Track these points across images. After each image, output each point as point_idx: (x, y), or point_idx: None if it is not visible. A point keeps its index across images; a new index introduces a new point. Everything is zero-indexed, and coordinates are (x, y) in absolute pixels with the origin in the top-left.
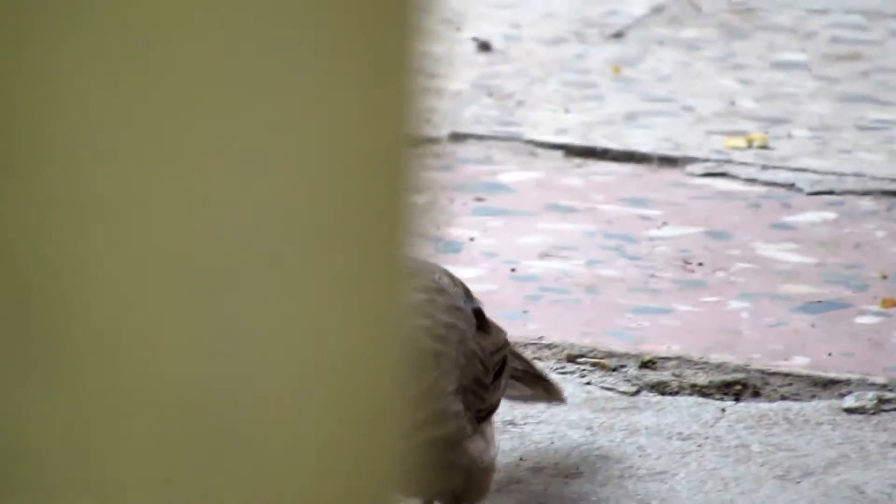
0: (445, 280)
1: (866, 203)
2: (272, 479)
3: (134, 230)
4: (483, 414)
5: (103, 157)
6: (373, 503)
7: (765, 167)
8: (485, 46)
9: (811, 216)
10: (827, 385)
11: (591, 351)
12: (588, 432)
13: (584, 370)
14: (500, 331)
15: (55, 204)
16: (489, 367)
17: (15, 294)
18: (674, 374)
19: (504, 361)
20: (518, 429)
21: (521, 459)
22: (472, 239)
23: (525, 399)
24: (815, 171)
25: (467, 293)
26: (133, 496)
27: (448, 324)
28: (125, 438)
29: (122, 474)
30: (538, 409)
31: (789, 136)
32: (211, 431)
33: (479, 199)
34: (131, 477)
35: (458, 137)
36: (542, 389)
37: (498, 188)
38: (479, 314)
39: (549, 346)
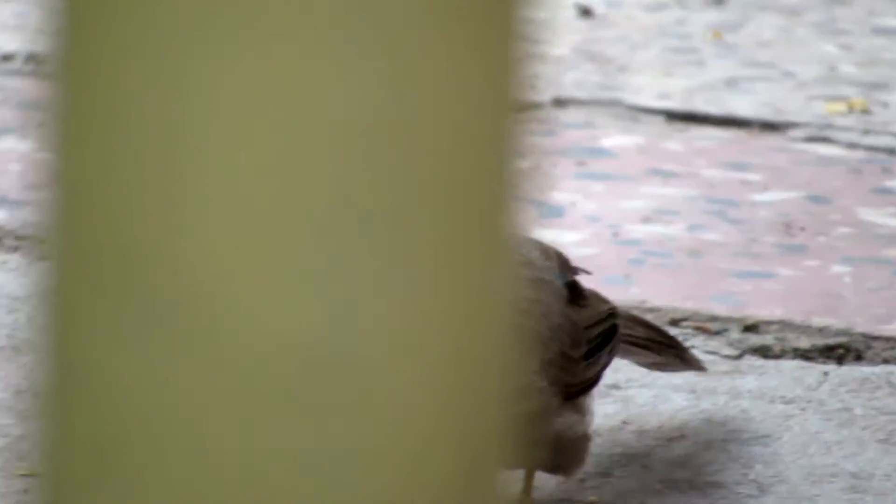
0: (535, 253)
1: None
2: (382, 440)
3: (245, 189)
4: (575, 389)
5: (215, 111)
6: (478, 472)
7: (866, 132)
8: (586, 12)
9: None
10: None
11: (694, 315)
12: (691, 396)
13: (686, 334)
14: (602, 302)
15: (162, 164)
16: (581, 340)
17: (125, 255)
18: (776, 338)
19: (608, 333)
20: (622, 392)
21: (624, 423)
22: (574, 203)
23: (660, 367)
24: None
25: (564, 265)
26: (246, 455)
27: (532, 298)
28: (238, 398)
29: (235, 434)
30: (641, 373)
31: (890, 101)
32: (324, 389)
33: (582, 164)
34: (245, 436)
35: (560, 103)
36: (673, 356)
37: (600, 153)
38: (572, 287)
39: (651, 311)
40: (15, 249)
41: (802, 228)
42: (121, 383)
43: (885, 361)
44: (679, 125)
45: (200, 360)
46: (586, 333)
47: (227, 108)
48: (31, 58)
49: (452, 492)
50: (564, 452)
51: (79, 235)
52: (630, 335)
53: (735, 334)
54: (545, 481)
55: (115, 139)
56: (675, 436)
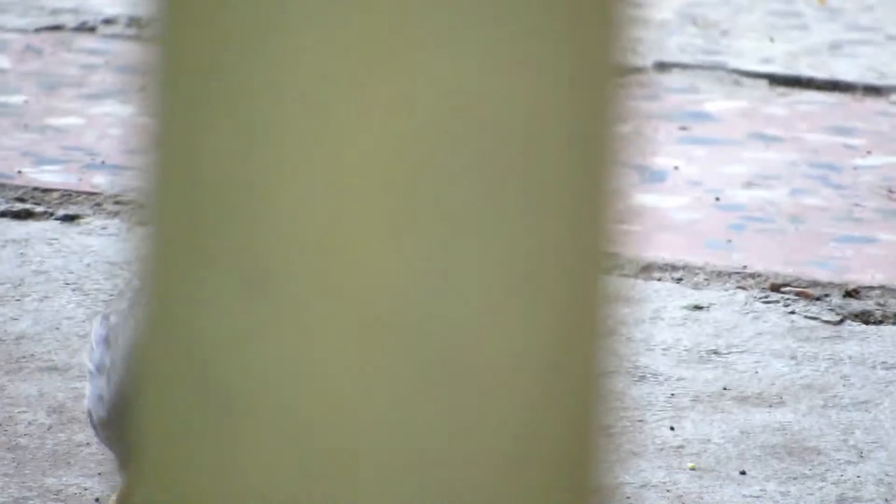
0: None
1: None
2: (492, 416)
3: (347, 158)
4: None
5: (322, 77)
6: (581, 457)
7: None
8: None
9: None
10: None
11: (795, 280)
12: (792, 361)
13: (787, 299)
14: None
15: (264, 130)
16: None
17: (223, 221)
18: (878, 304)
19: None
20: (722, 358)
21: (724, 389)
22: (676, 168)
23: None
24: None
25: None
26: (341, 421)
27: None
28: (335, 365)
29: (331, 400)
30: (742, 339)
31: None
32: (420, 358)
33: (684, 129)
34: (353, 401)
35: (663, 67)
36: None
37: (702, 117)
38: None
39: (752, 276)
40: (114, 215)
41: None
42: (217, 348)
43: None
44: (782, 89)
45: (297, 327)
46: None
47: (334, 77)
48: (133, 21)
49: (550, 466)
50: None
51: (178, 201)
52: None
53: (836, 300)
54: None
55: (217, 104)
56: (774, 401)
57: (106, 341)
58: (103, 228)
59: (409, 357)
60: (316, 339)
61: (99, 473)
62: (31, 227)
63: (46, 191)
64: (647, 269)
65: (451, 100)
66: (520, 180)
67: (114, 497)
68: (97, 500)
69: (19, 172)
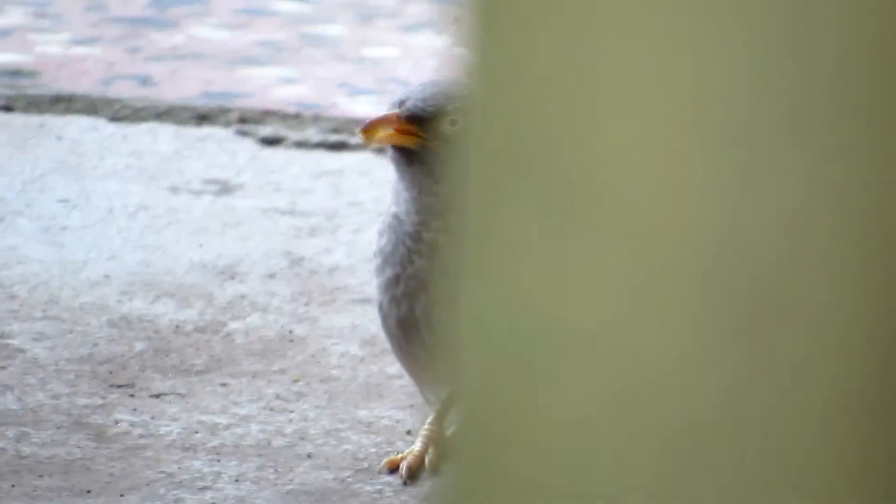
0: None
1: None
2: (803, 356)
3: (672, 86)
4: None
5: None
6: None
7: None
8: None
9: None
10: None
11: None
12: None
13: None
14: None
15: (583, 59)
16: None
17: (541, 152)
18: None
19: None
20: None
21: None
22: None
23: None
24: None
25: None
26: (647, 362)
27: None
28: (648, 304)
29: (641, 339)
30: None
31: None
32: (756, 309)
33: None
34: (649, 341)
35: None
36: None
37: None
38: None
39: None
40: None
41: None
42: (535, 282)
43: None
44: None
45: (618, 262)
46: None
47: (651, 14)
48: None
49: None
50: None
51: (494, 131)
52: None
53: None
54: None
55: (537, 32)
56: None
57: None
58: None
59: (726, 307)
60: (638, 271)
61: (411, 406)
62: (346, 158)
63: (361, 121)
64: None
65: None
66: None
67: (429, 430)
68: (408, 432)
69: (334, 104)
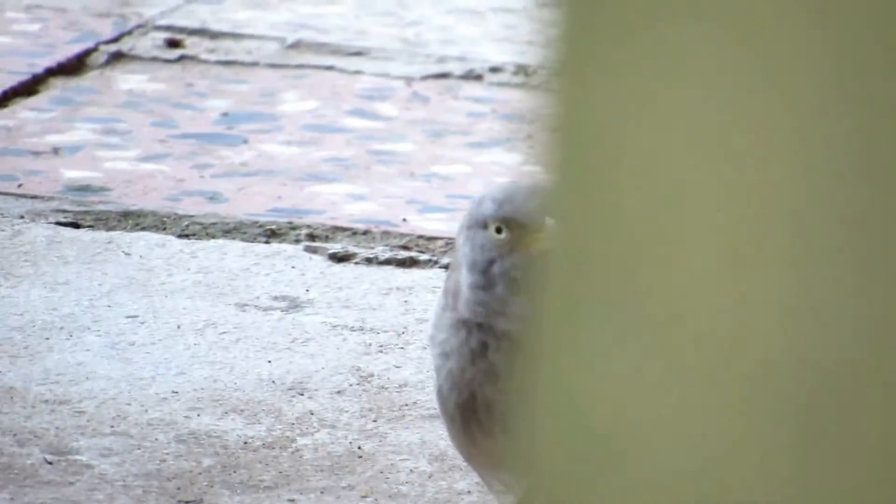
0: None
1: None
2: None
3: (751, 198)
4: None
5: (725, 118)
6: None
7: None
8: None
9: None
10: None
11: None
12: None
13: None
14: None
15: (662, 174)
16: None
17: (617, 261)
18: None
19: None
20: None
21: None
22: None
23: None
24: None
25: None
26: (747, 471)
27: None
28: (735, 413)
29: (734, 450)
30: None
31: None
32: (838, 409)
33: None
34: (737, 459)
35: None
36: None
37: None
38: None
39: None
40: None
41: None
42: (594, 392)
43: None
44: None
45: (694, 372)
46: None
47: (737, 128)
48: (520, 69)
49: None
50: None
51: (571, 241)
52: None
53: None
54: None
55: (613, 148)
56: None
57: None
58: None
59: (802, 414)
60: (715, 381)
61: None
62: (415, 274)
63: (431, 238)
64: None
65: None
66: None
67: None
68: None
69: (404, 220)
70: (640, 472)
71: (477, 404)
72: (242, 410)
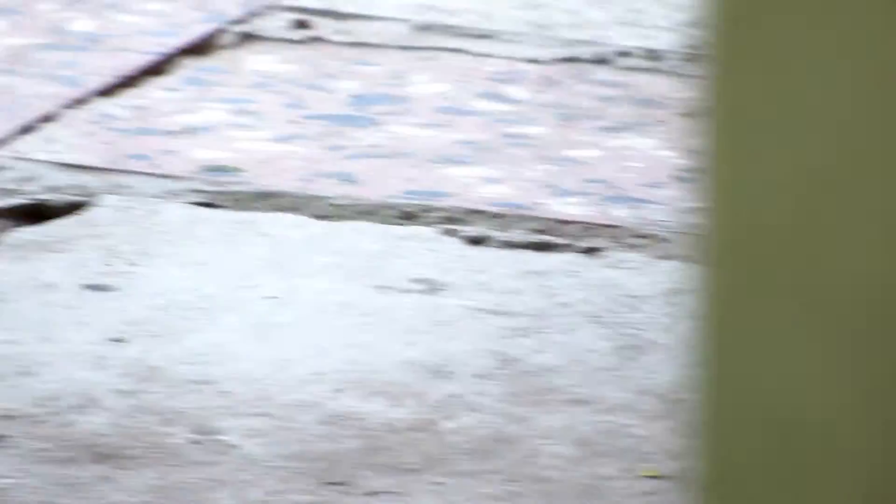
0: None
1: None
2: None
3: None
4: None
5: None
6: None
7: None
8: None
9: None
10: None
11: None
12: None
13: None
14: None
15: (826, 161)
16: None
17: (786, 254)
18: None
19: None
20: None
21: None
22: None
23: None
24: None
25: None
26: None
27: None
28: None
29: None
30: None
31: None
32: None
33: None
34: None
35: None
36: None
37: None
38: None
39: None
40: (634, 248)
41: None
42: (778, 386)
43: None
44: None
45: (867, 362)
46: None
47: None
48: (649, 54)
49: None
50: None
51: (734, 235)
52: None
53: None
54: None
55: (775, 134)
56: None
57: None
58: (623, 262)
59: None
60: (882, 378)
61: None
62: (552, 259)
63: (566, 222)
64: None
65: None
66: None
67: None
68: None
69: (539, 204)
70: (827, 464)
71: None
72: (385, 392)
